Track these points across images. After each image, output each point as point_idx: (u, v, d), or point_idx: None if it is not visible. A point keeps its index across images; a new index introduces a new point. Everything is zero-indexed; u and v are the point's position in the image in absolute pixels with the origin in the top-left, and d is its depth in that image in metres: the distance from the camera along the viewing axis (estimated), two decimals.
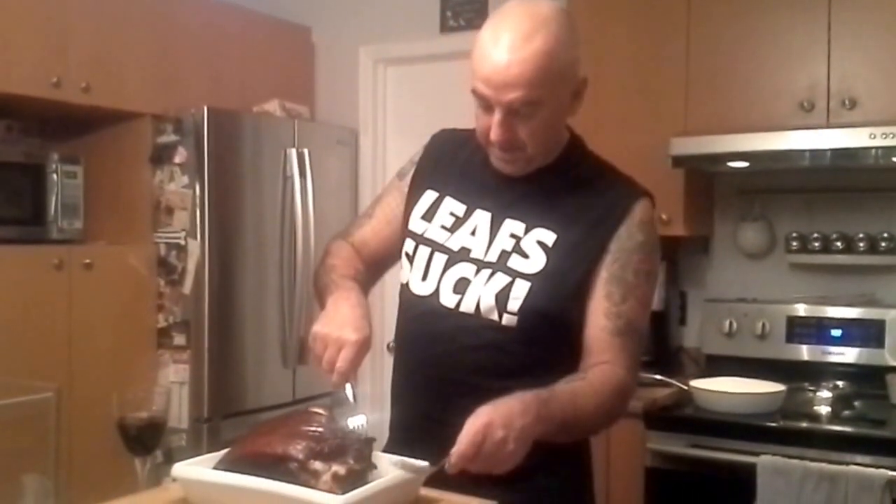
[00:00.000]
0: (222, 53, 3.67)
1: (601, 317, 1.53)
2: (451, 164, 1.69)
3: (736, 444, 2.53)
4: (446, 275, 1.59)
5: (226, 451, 1.43)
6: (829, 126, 2.77)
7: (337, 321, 1.48)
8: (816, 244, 3.06)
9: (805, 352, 3.05)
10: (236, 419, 3.34)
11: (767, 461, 2.43)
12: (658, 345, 3.22)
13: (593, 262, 1.54)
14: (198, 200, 3.30)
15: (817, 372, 2.97)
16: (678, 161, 2.94)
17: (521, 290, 1.52)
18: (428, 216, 1.65)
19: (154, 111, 3.38)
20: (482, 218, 1.60)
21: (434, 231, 1.63)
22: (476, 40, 1.49)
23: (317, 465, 1.30)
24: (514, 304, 1.52)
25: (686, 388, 2.79)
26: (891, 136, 2.60)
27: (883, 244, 2.97)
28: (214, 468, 1.38)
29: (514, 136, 1.50)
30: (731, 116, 2.91)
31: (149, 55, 3.38)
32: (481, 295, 1.54)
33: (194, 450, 3.13)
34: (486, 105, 1.49)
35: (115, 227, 3.41)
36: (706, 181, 3.28)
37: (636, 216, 1.56)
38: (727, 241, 3.30)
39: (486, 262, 1.56)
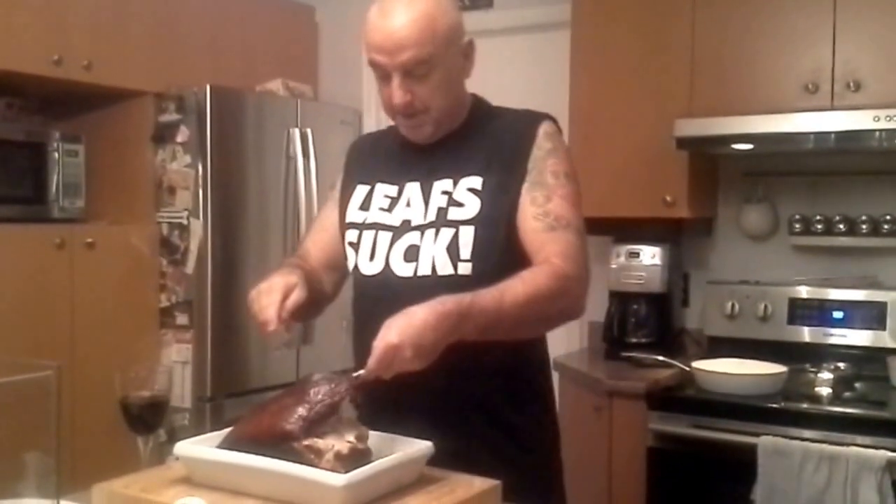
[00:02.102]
0: (225, 32, 3.65)
1: (531, 220, 1.61)
2: (374, 158, 1.79)
3: (737, 425, 2.53)
4: (394, 249, 1.65)
5: (229, 429, 1.43)
6: (833, 108, 2.75)
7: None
8: (819, 226, 3.05)
9: (807, 333, 3.05)
10: (239, 398, 3.34)
11: (768, 442, 2.43)
12: (660, 326, 3.22)
13: (519, 188, 1.62)
14: (200, 180, 3.30)
15: (819, 354, 2.97)
16: (682, 143, 2.93)
17: (467, 236, 1.60)
18: (365, 205, 1.73)
19: (156, 89, 3.36)
20: (413, 189, 1.68)
21: (374, 215, 1.71)
22: (365, 19, 1.60)
23: (319, 443, 1.31)
24: (465, 251, 1.59)
25: (688, 369, 2.80)
26: (895, 118, 2.59)
27: (886, 226, 2.96)
28: (217, 447, 1.39)
29: (414, 99, 1.60)
30: (736, 98, 2.90)
31: (151, 33, 3.36)
32: (434, 254, 1.61)
33: (197, 429, 3.14)
34: (384, 73, 1.60)
35: (117, 207, 3.40)
36: (710, 163, 3.26)
37: (541, 133, 1.66)
38: (730, 223, 3.29)
39: (427, 224, 1.64)
